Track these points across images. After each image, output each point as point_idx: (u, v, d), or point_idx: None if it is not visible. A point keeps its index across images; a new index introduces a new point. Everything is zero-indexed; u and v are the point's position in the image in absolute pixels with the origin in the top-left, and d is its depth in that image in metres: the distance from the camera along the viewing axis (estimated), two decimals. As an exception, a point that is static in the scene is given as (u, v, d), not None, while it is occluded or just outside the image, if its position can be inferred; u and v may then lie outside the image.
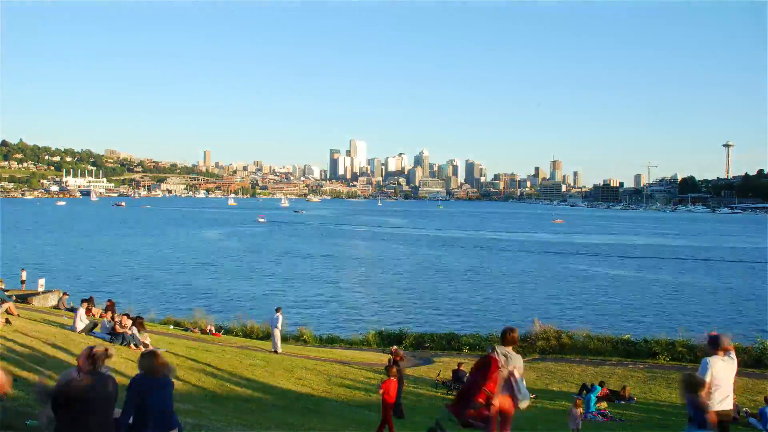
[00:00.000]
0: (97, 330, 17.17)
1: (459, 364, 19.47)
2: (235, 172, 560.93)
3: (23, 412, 6.89)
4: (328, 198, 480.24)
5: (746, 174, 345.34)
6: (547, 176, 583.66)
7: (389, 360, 15.74)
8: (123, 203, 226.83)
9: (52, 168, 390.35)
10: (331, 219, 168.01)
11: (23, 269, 34.71)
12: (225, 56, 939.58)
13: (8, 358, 10.09)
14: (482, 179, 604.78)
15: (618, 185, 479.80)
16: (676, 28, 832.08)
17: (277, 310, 22.36)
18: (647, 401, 17.95)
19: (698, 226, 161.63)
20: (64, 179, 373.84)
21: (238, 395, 12.82)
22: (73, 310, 24.84)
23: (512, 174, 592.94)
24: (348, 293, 46.26)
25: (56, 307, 25.47)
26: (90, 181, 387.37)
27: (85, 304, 19.44)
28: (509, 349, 7.02)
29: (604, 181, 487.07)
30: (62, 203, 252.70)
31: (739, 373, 20.74)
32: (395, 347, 21.80)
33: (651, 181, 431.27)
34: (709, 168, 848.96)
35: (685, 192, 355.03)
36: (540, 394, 18.24)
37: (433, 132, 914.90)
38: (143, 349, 15.59)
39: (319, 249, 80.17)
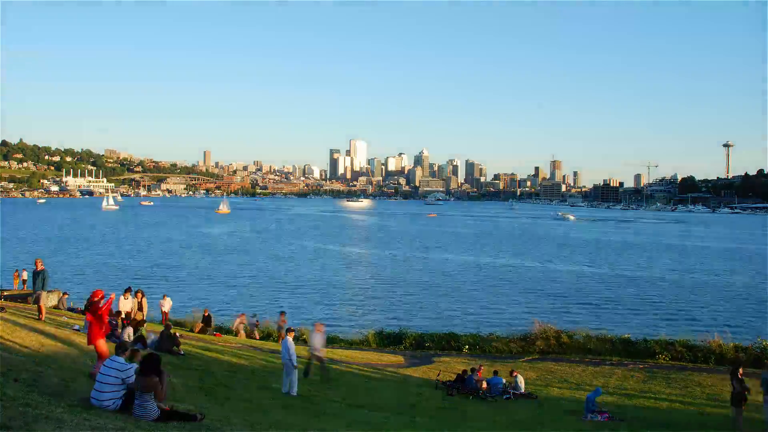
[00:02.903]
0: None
1: (470, 370, 19.01)
2: (235, 172, 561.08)
3: (23, 412, 6.89)
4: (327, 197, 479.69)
5: (746, 174, 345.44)
6: (547, 176, 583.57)
7: None
8: None
9: (52, 168, 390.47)
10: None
11: (24, 269, 34.70)
12: (225, 56, 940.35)
13: (9, 359, 10.08)
14: (482, 179, 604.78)
15: (618, 185, 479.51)
16: (676, 27, 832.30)
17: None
18: (647, 400, 17.95)
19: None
20: (64, 179, 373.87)
21: (238, 395, 12.82)
22: (73, 310, 24.90)
23: (512, 174, 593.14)
24: (348, 293, 46.26)
25: (56, 307, 25.46)
26: (90, 181, 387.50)
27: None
28: None
29: (604, 181, 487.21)
30: (42, 201, 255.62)
31: (738, 373, 20.73)
32: None
33: (651, 181, 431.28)
34: (709, 168, 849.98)
35: (685, 192, 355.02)
36: (540, 394, 18.24)
37: (433, 132, 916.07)
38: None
39: (319, 249, 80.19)
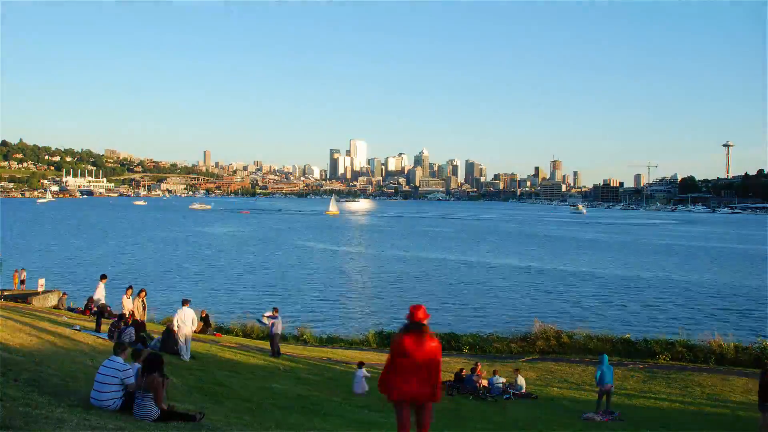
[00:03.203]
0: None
1: (469, 370, 19.06)
2: (235, 172, 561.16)
3: (23, 412, 6.89)
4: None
5: (746, 174, 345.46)
6: (547, 176, 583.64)
7: None
8: None
9: (52, 168, 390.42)
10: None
11: (23, 269, 34.67)
12: (225, 56, 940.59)
13: (9, 359, 10.08)
14: (482, 179, 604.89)
15: (618, 185, 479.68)
16: (676, 27, 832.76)
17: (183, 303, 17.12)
18: (647, 400, 17.95)
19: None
20: (64, 179, 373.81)
21: (238, 395, 12.81)
22: (73, 310, 24.92)
23: (512, 174, 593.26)
24: (348, 293, 46.26)
25: (56, 307, 25.48)
26: (90, 181, 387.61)
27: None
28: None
29: (604, 181, 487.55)
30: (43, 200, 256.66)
31: (738, 373, 20.83)
32: None
33: (651, 181, 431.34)
34: (709, 168, 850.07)
35: (685, 192, 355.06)
36: (540, 394, 18.24)
37: (433, 132, 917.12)
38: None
39: (319, 248, 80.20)
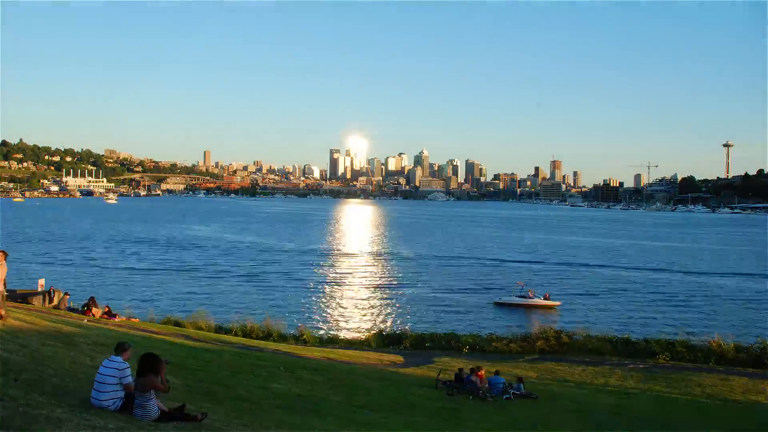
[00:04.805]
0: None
1: (468, 370, 18.97)
2: (235, 172, 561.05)
3: (23, 412, 6.89)
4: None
5: (746, 174, 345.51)
6: (547, 176, 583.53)
7: None
8: None
9: (52, 168, 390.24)
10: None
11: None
12: (225, 56, 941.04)
13: (9, 359, 10.08)
14: (482, 179, 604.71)
15: (618, 185, 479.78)
16: (676, 27, 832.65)
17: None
18: (647, 400, 17.95)
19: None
20: (64, 179, 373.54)
21: (238, 395, 12.81)
22: (74, 310, 24.91)
23: (512, 174, 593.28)
24: (348, 294, 46.28)
25: (56, 307, 25.47)
26: (90, 181, 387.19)
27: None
28: None
29: (604, 181, 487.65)
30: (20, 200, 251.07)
31: (738, 373, 20.83)
32: None
33: (651, 181, 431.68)
34: (709, 168, 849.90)
35: (685, 192, 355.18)
36: (540, 394, 18.22)
37: (433, 132, 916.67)
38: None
39: (318, 249, 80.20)
